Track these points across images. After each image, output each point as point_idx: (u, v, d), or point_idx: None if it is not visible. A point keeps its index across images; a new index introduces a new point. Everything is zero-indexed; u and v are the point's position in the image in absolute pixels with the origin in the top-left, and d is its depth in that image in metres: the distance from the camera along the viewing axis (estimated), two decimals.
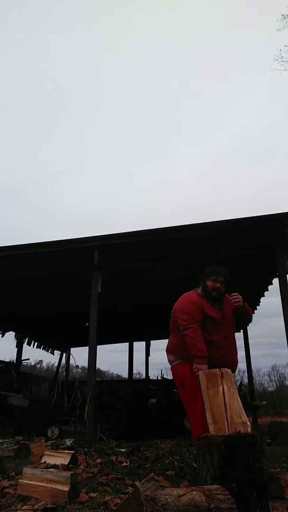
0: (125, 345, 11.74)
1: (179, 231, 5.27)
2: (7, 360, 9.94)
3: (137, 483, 2.10)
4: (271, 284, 6.62)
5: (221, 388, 2.09)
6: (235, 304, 3.00)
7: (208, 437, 1.82)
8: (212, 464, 1.72)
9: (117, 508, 1.69)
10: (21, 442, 3.36)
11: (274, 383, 31.24)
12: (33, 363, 30.92)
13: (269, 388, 29.55)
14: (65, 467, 2.77)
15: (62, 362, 11.52)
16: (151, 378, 10.35)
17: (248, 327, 9.54)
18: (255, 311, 8.62)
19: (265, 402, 15.00)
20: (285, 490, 2.08)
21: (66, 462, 2.85)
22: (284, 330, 4.67)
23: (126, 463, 3.19)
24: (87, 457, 3.33)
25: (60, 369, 11.17)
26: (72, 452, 3.03)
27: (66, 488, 1.99)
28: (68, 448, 3.72)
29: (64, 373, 11.20)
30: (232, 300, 3.00)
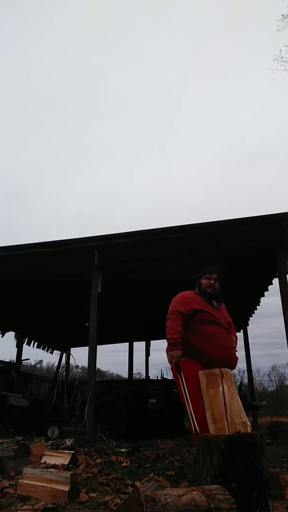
0: (125, 345, 11.75)
1: (179, 231, 5.27)
2: (7, 360, 9.95)
3: (137, 483, 2.10)
4: (271, 284, 6.61)
5: (221, 388, 2.09)
6: None
7: (208, 437, 1.82)
8: (212, 464, 1.72)
9: (117, 508, 1.69)
10: (21, 442, 3.36)
11: (274, 383, 31.26)
12: (33, 363, 30.93)
13: (269, 388, 29.58)
14: (65, 467, 2.77)
15: (62, 362, 11.53)
16: (151, 378, 10.35)
17: (248, 327, 9.54)
18: (255, 311, 8.62)
19: (265, 402, 15.00)
20: (285, 490, 2.08)
21: (66, 462, 2.85)
22: (284, 330, 4.67)
23: (126, 463, 3.19)
24: (87, 457, 3.33)
25: (60, 369, 11.17)
26: (72, 452, 3.03)
27: (66, 488, 1.99)
28: (68, 448, 3.72)
29: (64, 373, 11.20)
30: None
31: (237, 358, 3.09)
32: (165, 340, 3.25)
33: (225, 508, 1.31)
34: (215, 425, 2.00)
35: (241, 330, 9.69)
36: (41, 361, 33.63)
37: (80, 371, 24.33)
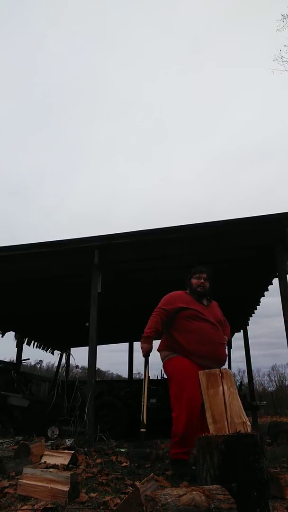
0: (125, 345, 11.74)
1: (179, 231, 5.27)
2: (7, 360, 9.95)
3: (137, 483, 2.10)
4: (271, 284, 6.61)
5: (221, 388, 2.09)
6: None
7: (208, 437, 1.82)
8: (212, 464, 1.72)
9: (117, 508, 1.69)
10: (21, 442, 3.36)
11: (274, 383, 31.28)
12: (33, 363, 30.93)
13: (269, 388, 29.59)
14: (65, 467, 2.77)
15: (62, 362, 11.53)
16: (151, 378, 10.35)
17: (248, 327, 9.53)
18: (255, 311, 8.62)
19: (265, 402, 14.99)
20: (285, 490, 2.08)
21: (66, 462, 2.85)
22: (284, 330, 4.67)
23: (126, 463, 3.19)
24: (87, 457, 3.33)
25: (60, 369, 11.18)
26: (72, 452, 3.03)
27: (66, 488, 1.99)
28: (68, 448, 3.72)
29: (64, 373, 11.20)
30: None
31: (226, 355, 3.16)
32: None
33: (225, 508, 1.31)
34: (215, 425, 2.00)
35: (241, 330, 9.69)
36: (41, 361, 33.65)
37: (80, 371, 24.33)
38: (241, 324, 9.50)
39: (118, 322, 9.00)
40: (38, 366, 33.43)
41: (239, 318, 9.20)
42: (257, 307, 8.35)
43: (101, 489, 2.31)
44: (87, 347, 5.26)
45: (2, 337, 9.92)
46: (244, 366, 10.28)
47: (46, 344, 11.59)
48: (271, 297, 6.58)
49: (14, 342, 10.33)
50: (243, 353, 9.61)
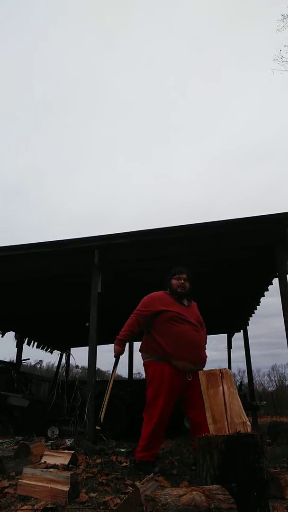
0: (125, 345, 11.72)
1: (179, 231, 5.26)
2: (7, 360, 9.94)
3: (137, 483, 2.10)
4: (271, 284, 6.61)
5: (221, 388, 2.09)
6: None
7: (208, 437, 1.82)
8: (212, 464, 1.72)
9: (117, 508, 1.69)
10: (21, 442, 3.36)
11: (274, 383, 31.27)
12: (33, 363, 30.92)
13: (269, 388, 29.58)
14: (65, 467, 2.77)
15: (62, 362, 11.52)
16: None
17: (248, 327, 9.53)
18: (255, 311, 8.61)
19: (265, 402, 14.99)
20: (285, 490, 2.08)
21: (66, 462, 2.85)
22: (284, 330, 4.66)
23: (126, 463, 3.19)
24: (87, 457, 3.32)
25: (60, 369, 11.17)
26: (72, 452, 3.03)
27: (66, 488, 1.99)
28: (68, 448, 3.72)
29: (64, 373, 11.19)
30: None
31: (206, 356, 3.22)
32: None
33: (225, 508, 1.31)
34: (215, 425, 2.00)
35: (241, 330, 9.68)
36: (41, 361, 33.64)
37: (80, 371, 24.33)
38: (241, 324, 9.50)
39: (118, 322, 8.98)
40: (38, 366, 33.45)
41: (239, 318, 9.20)
42: (257, 307, 8.35)
43: (101, 489, 2.31)
44: (87, 347, 5.26)
45: (2, 337, 9.92)
46: (244, 366, 10.28)
47: (46, 344, 11.59)
48: (271, 297, 6.58)
49: (14, 342, 10.32)
50: (243, 353, 9.60)
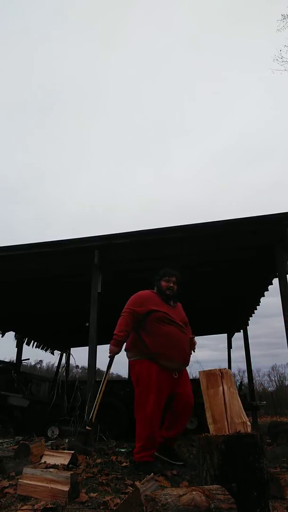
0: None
1: (179, 231, 5.27)
2: (7, 360, 9.94)
3: (137, 483, 2.10)
4: (271, 284, 6.61)
5: (221, 388, 2.09)
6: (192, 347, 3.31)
7: (208, 437, 1.82)
8: (212, 464, 1.72)
9: (117, 508, 1.69)
10: (21, 442, 3.36)
11: (274, 383, 31.23)
12: (33, 363, 30.90)
13: (269, 388, 29.55)
14: (65, 467, 2.77)
15: (62, 362, 11.51)
16: None
17: (248, 327, 9.53)
18: (255, 311, 8.62)
19: (265, 402, 14.97)
20: (285, 490, 2.08)
21: (66, 462, 2.84)
22: (284, 330, 4.67)
23: (126, 463, 3.19)
24: (87, 457, 3.32)
25: (60, 369, 11.16)
26: (72, 452, 3.03)
27: (66, 488, 1.99)
28: (68, 448, 3.72)
29: (64, 373, 11.19)
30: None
31: (190, 357, 3.29)
32: None
33: (225, 508, 1.31)
34: (215, 425, 2.00)
35: (241, 330, 9.68)
36: (41, 361, 33.61)
37: (80, 371, 24.32)
38: (241, 324, 9.50)
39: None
40: (38, 366, 33.42)
41: (239, 318, 9.20)
42: (257, 307, 8.35)
43: (101, 489, 2.31)
44: (87, 347, 5.26)
45: (2, 337, 9.92)
46: (244, 366, 10.28)
47: (46, 344, 11.59)
48: (271, 297, 6.58)
49: (14, 342, 10.33)
50: (243, 353, 9.60)
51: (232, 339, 10.85)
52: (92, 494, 2.15)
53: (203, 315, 8.63)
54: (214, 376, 2.13)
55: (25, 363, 13.84)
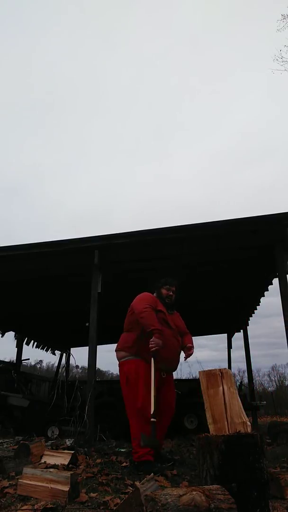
0: None
1: (179, 231, 5.26)
2: (7, 360, 9.94)
3: (137, 483, 2.10)
4: (271, 284, 6.61)
5: (221, 388, 2.09)
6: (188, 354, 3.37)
7: (208, 437, 1.82)
8: (212, 464, 1.72)
9: (117, 508, 1.69)
10: (21, 442, 3.36)
11: (274, 383, 31.20)
12: (33, 363, 30.90)
13: (269, 388, 29.53)
14: (65, 467, 2.77)
15: (62, 362, 11.52)
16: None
17: (248, 327, 9.53)
18: (255, 311, 8.62)
19: (265, 402, 14.97)
20: (285, 490, 2.08)
21: (66, 462, 2.85)
22: (284, 330, 4.66)
23: (126, 463, 3.19)
24: (87, 457, 3.32)
25: (60, 369, 11.17)
26: (72, 452, 3.03)
27: (66, 488, 1.99)
28: (68, 448, 3.72)
29: (64, 373, 11.20)
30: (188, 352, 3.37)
31: (178, 361, 3.42)
32: None
33: (225, 508, 1.31)
34: (215, 425, 2.00)
35: (241, 330, 9.68)
36: (41, 361, 33.60)
37: (80, 371, 24.31)
38: (241, 324, 9.50)
39: (118, 322, 8.98)
40: (38, 366, 33.41)
41: (239, 318, 9.20)
42: (257, 307, 8.35)
43: (101, 489, 2.31)
44: (87, 347, 5.26)
45: (2, 337, 9.92)
46: (244, 366, 10.27)
47: (46, 344, 11.59)
48: (271, 297, 6.58)
49: (14, 342, 10.33)
50: (243, 353, 9.60)
51: (232, 339, 10.86)
52: (92, 494, 2.15)
53: (203, 315, 8.63)
54: (214, 376, 2.14)
55: (25, 363, 13.85)
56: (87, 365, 5.22)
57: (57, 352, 11.82)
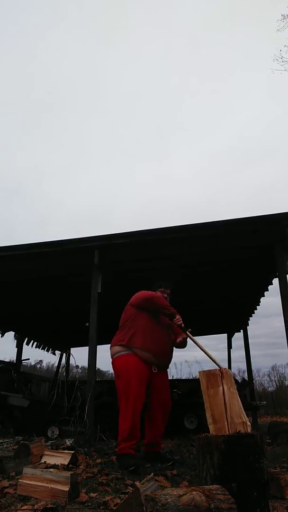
0: None
1: (179, 231, 5.26)
2: (7, 360, 9.95)
3: (137, 483, 2.10)
4: (271, 284, 6.61)
5: (221, 388, 2.09)
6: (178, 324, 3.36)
7: (208, 437, 1.82)
8: (212, 464, 1.72)
9: (117, 508, 1.69)
10: (21, 442, 3.36)
11: (274, 383, 31.17)
12: (33, 363, 30.89)
13: (269, 388, 29.50)
14: (65, 467, 2.77)
15: (62, 362, 11.52)
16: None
17: (248, 327, 9.54)
18: (255, 311, 8.61)
19: (265, 402, 14.97)
20: (285, 490, 2.08)
21: (66, 462, 2.84)
22: (284, 330, 4.66)
23: None
24: (87, 457, 3.32)
25: (60, 369, 11.17)
26: (72, 452, 3.03)
27: (66, 488, 1.99)
28: (68, 448, 3.72)
29: (64, 373, 11.20)
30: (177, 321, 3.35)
31: (170, 358, 3.49)
32: None
33: (225, 508, 1.31)
34: (215, 425, 2.00)
35: (241, 330, 9.69)
36: (41, 361, 33.58)
37: (80, 371, 24.30)
38: (241, 324, 9.50)
39: (118, 322, 8.97)
40: (38, 366, 33.40)
41: (239, 318, 9.20)
42: (257, 307, 8.35)
43: (101, 489, 2.31)
44: (87, 347, 5.26)
45: (2, 337, 9.92)
46: (244, 366, 10.27)
47: (46, 344, 11.59)
48: (271, 297, 6.58)
49: (14, 342, 10.33)
50: (243, 353, 9.60)
51: (232, 339, 10.85)
52: (92, 494, 2.14)
53: (203, 315, 8.63)
54: (214, 376, 2.14)
55: (25, 363, 13.85)
56: (87, 365, 5.23)
57: (57, 352, 11.82)
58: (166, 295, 3.56)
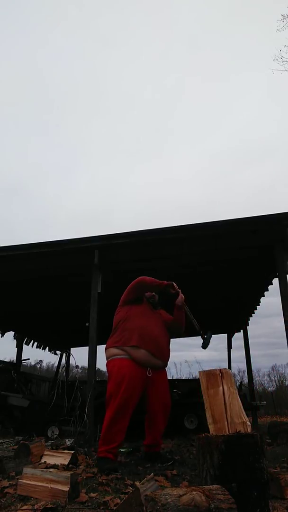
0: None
1: (179, 231, 5.27)
2: (7, 360, 9.95)
3: (137, 483, 2.10)
4: (271, 284, 6.62)
5: (221, 388, 2.09)
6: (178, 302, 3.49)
7: (208, 437, 1.82)
8: (212, 464, 1.72)
9: (117, 508, 1.69)
10: (21, 442, 3.36)
11: (274, 383, 31.17)
12: (33, 363, 30.88)
13: (269, 388, 29.51)
14: (65, 467, 2.77)
15: (62, 362, 11.51)
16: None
17: (248, 327, 9.54)
18: (255, 311, 8.61)
19: (265, 402, 14.98)
20: (285, 490, 2.07)
21: (66, 462, 2.84)
22: (284, 330, 4.67)
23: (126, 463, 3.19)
24: (87, 457, 3.32)
25: (60, 369, 11.16)
26: (72, 452, 3.03)
27: (66, 488, 1.99)
28: (68, 448, 3.72)
29: (64, 373, 11.20)
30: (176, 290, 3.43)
31: (168, 354, 3.45)
32: None
33: (225, 508, 1.31)
34: (215, 425, 2.00)
35: (241, 330, 9.69)
36: (41, 361, 33.57)
37: (80, 371, 24.31)
38: (241, 324, 9.50)
39: None
40: (38, 366, 33.39)
41: (239, 318, 9.20)
42: (257, 307, 8.35)
43: (101, 489, 2.31)
44: (87, 347, 5.26)
45: (2, 337, 9.93)
46: (244, 366, 10.28)
47: (46, 344, 11.60)
48: (271, 297, 6.58)
49: (14, 342, 10.33)
50: (243, 353, 9.61)
51: (232, 339, 10.86)
52: (92, 494, 2.14)
53: (203, 315, 8.63)
54: (214, 376, 2.13)
55: (25, 363, 13.84)
56: (87, 365, 5.23)
57: (57, 352, 11.82)
58: (153, 293, 3.59)
